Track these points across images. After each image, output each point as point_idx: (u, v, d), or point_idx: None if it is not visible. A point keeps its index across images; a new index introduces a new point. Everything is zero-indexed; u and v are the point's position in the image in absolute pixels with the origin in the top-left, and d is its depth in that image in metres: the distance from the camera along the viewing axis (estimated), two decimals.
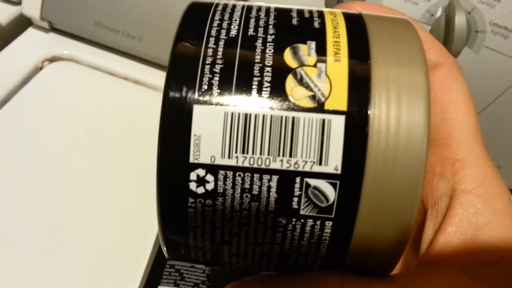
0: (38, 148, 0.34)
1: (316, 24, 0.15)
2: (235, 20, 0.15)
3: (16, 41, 0.40)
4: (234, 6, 0.15)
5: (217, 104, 0.13)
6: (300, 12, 0.15)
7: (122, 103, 0.38)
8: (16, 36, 0.41)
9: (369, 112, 0.13)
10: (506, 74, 0.34)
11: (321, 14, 0.15)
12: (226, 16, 0.15)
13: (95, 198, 0.32)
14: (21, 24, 0.41)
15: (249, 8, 0.15)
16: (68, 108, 0.37)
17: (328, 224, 0.14)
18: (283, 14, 0.15)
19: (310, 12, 0.16)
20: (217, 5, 0.15)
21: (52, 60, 0.39)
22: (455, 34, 0.32)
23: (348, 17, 0.15)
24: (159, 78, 0.40)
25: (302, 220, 0.14)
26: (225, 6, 0.15)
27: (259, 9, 0.15)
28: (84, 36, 0.40)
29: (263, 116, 0.13)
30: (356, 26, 0.15)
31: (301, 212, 0.14)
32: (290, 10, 0.16)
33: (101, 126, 0.36)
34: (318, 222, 0.14)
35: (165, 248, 0.16)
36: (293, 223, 0.14)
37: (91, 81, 0.39)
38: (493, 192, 0.16)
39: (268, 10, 0.15)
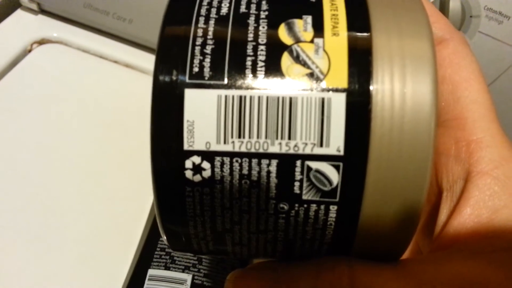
0: (26, 131, 0.34)
1: None
2: None
3: (4, 23, 0.40)
4: None
5: (209, 87, 0.13)
6: None
7: (112, 87, 0.38)
8: (4, 18, 0.40)
9: (371, 88, 0.13)
10: (500, 59, 0.34)
11: None
12: None
13: (84, 183, 0.32)
14: (9, 5, 0.41)
15: None
16: (57, 91, 0.37)
17: (333, 208, 0.13)
18: None
19: None
20: None
21: (41, 42, 0.39)
22: (449, 18, 0.32)
23: None
24: (150, 61, 0.40)
25: (305, 205, 0.14)
26: None
27: None
28: (74, 18, 0.40)
29: (259, 97, 0.13)
30: None
31: (304, 197, 0.13)
32: None
33: (90, 110, 0.36)
34: (322, 207, 0.14)
35: (166, 240, 0.15)
36: (296, 208, 0.14)
37: (81, 64, 0.39)
38: (510, 174, 0.16)
39: None
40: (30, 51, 0.39)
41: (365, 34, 0.13)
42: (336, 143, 0.13)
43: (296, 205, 0.14)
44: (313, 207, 0.13)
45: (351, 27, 0.13)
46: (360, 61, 0.13)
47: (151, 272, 0.28)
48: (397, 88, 0.13)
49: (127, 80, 0.39)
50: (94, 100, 0.37)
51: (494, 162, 0.16)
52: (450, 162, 0.17)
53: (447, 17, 0.32)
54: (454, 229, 0.15)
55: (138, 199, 0.32)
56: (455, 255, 0.14)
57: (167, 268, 0.28)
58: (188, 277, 0.28)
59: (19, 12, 0.41)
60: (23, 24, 0.40)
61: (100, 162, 0.33)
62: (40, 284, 0.28)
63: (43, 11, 0.41)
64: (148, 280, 0.28)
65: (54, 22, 0.41)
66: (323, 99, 0.13)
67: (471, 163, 0.16)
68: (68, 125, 0.35)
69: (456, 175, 0.16)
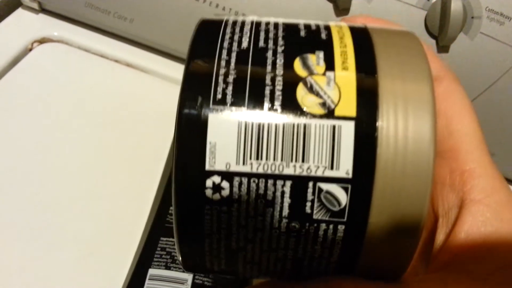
0: (26, 130, 0.34)
1: (323, 36, 0.16)
2: (246, 33, 0.16)
3: (5, 22, 0.40)
4: (243, 21, 0.16)
5: (231, 112, 0.14)
6: (307, 25, 0.16)
7: (113, 86, 0.38)
8: (5, 17, 0.40)
9: (377, 117, 0.14)
10: (501, 60, 0.34)
11: (327, 27, 0.16)
12: (237, 30, 0.16)
13: (85, 182, 0.32)
14: (10, 4, 0.41)
15: (258, 23, 0.16)
16: (58, 90, 0.37)
17: (341, 227, 0.15)
18: (291, 27, 0.16)
19: (317, 25, 0.16)
20: (227, 20, 0.16)
21: (42, 41, 0.39)
22: (451, 19, 0.32)
23: (353, 29, 0.16)
24: (151, 60, 0.40)
25: (315, 225, 0.15)
26: (235, 21, 0.16)
27: (267, 23, 0.16)
28: (75, 17, 0.40)
29: (276, 123, 0.14)
30: (362, 38, 0.16)
31: (314, 217, 0.14)
32: (297, 24, 0.17)
33: (91, 109, 0.36)
34: (331, 226, 0.15)
35: (180, 257, 0.16)
36: (307, 227, 0.15)
37: (82, 63, 0.39)
38: (501, 202, 0.17)
39: (276, 24, 0.16)
40: (30, 50, 0.39)
41: (371, 70, 0.15)
42: (345, 167, 0.14)
43: (307, 224, 0.15)
44: (323, 226, 0.15)
45: (359, 63, 0.15)
46: (368, 94, 0.14)
47: (151, 271, 0.28)
48: (400, 120, 0.14)
49: (128, 79, 0.39)
50: (95, 100, 0.37)
51: (486, 191, 0.17)
52: (445, 190, 0.18)
53: (449, 17, 0.32)
54: (450, 252, 0.17)
55: (139, 198, 0.32)
56: (451, 276, 0.16)
57: (167, 267, 0.28)
58: (188, 277, 0.28)
59: (19, 11, 0.41)
60: (24, 23, 0.40)
61: (100, 161, 0.33)
62: (40, 283, 0.28)
63: (44, 10, 0.41)
64: (149, 279, 0.28)
65: (55, 21, 0.41)
66: (334, 126, 0.14)
67: (465, 191, 0.17)
68: (68, 124, 0.35)
69: (451, 202, 0.18)
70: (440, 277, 0.16)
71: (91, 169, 0.33)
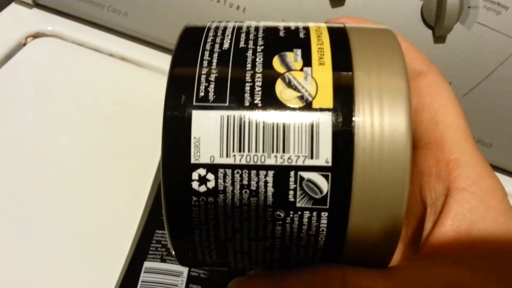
0: (20, 126, 0.34)
1: (301, 35, 0.17)
2: (227, 35, 0.17)
3: None
4: (226, 26, 0.17)
5: (213, 108, 0.15)
6: (287, 26, 0.17)
7: (107, 80, 0.38)
8: None
9: (353, 108, 0.15)
10: (498, 51, 0.34)
11: (306, 27, 0.17)
12: (219, 33, 0.17)
13: (81, 176, 0.32)
14: None
15: (240, 27, 0.17)
16: (52, 85, 0.37)
17: (324, 215, 0.15)
18: (271, 29, 0.17)
19: (296, 26, 0.17)
20: (210, 25, 0.17)
21: (35, 36, 0.39)
22: (447, 9, 0.32)
23: (331, 28, 0.17)
24: (145, 54, 0.40)
25: (299, 213, 0.15)
26: (218, 26, 0.17)
27: (249, 26, 0.17)
28: (69, 11, 0.40)
29: (256, 117, 0.15)
30: (339, 35, 0.17)
31: (298, 205, 0.15)
32: (277, 26, 0.17)
33: (86, 103, 0.36)
34: (315, 214, 0.15)
35: (173, 251, 0.17)
36: (291, 215, 0.15)
37: (76, 57, 0.39)
38: (487, 189, 0.17)
39: (257, 26, 0.17)
40: (24, 44, 0.39)
41: (346, 61, 0.16)
42: (324, 155, 0.15)
43: (291, 212, 0.15)
44: (307, 214, 0.15)
45: (334, 57, 0.16)
46: (343, 86, 0.15)
47: (147, 264, 0.28)
48: (376, 109, 0.15)
49: (122, 73, 0.38)
50: (90, 94, 0.37)
51: (471, 179, 0.17)
52: (432, 180, 0.18)
53: (445, 7, 0.32)
54: (437, 239, 0.17)
55: (134, 192, 0.32)
56: (438, 262, 0.16)
57: (163, 260, 0.28)
58: (184, 269, 0.28)
59: (13, 6, 0.41)
60: (18, 18, 0.40)
61: (95, 155, 0.33)
62: (35, 277, 0.28)
63: (37, 5, 0.41)
64: (144, 272, 0.28)
65: (48, 16, 0.40)
66: (312, 118, 0.15)
67: (451, 180, 0.18)
68: (63, 119, 0.35)
69: (438, 191, 0.18)
70: (427, 263, 0.16)
71: (87, 163, 0.33)
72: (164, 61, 0.40)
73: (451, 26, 0.33)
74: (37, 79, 0.37)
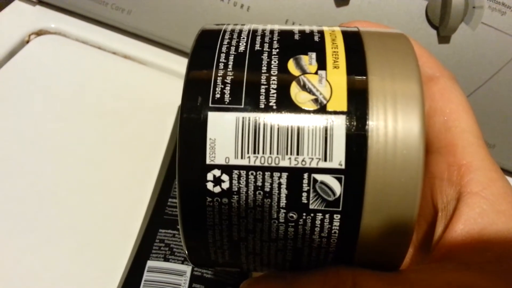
0: (23, 123, 0.34)
1: (316, 38, 0.17)
2: (243, 38, 0.17)
3: (2, 14, 0.40)
4: (241, 29, 0.18)
5: (229, 110, 0.15)
6: (301, 30, 0.17)
7: (110, 78, 0.38)
8: (1, 9, 0.40)
9: (367, 111, 0.15)
10: (502, 51, 0.34)
11: (320, 30, 0.17)
12: (235, 36, 0.17)
13: (83, 174, 0.32)
14: None
15: (255, 29, 0.18)
16: (55, 82, 0.37)
17: (337, 217, 0.15)
18: (286, 32, 0.17)
19: (311, 29, 0.18)
20: (226, 28, 0.18)
21: (39, 33, 0.39)
22: (452, 9, 0.32)
23: (345, 32, 0.17)
24: (148, 52, 0.40)
25: (312, 214, 0.15)
26: (233, 29, 0.18)
27: (264, 29, 0.18)
28: (72, 9, 0.40)
29: (271, 119, 0.15)
30: (353, 39, 0.17)
31: (311, 207, 0.15)
32: (292, 29, 0.18)
33: (89, 101, 0.36)
34: (327, 216, 0.15)
35: (186, 250, 0.17)
36: (304, 217, 0.15)
37: (79, 55, 0.39)
38: (498, 194, 0.17)
39: (272, 30, 0.17)
40: (28, 42, 0.39)
41: (361, 65, 0.16)
42: (338, 158, 0.15)
43: (304, 214, 0.15)
44: (319, 216, 0.15)
45: (349, 62, 0.16)
46: (358, 89, 0.15)
47: (150, 263, 0.28)
48: (390, 113, 0.15)
49: (125, 71, 0.39)
50: (93, 92, 0.37)
51: (482, 184, 0.18)
52: (443, 184, 0.19)
53: (450, 8, 0.32)
54: (448, 243, 0.17)
55: (138, 190, 0.32)
56: (449, 265, 0.16)
57: (166, 259, 0.28)
58: (187, 268, 0.28)
59: (16, 3, 0.41)
60: (21, 15, 0.40)
61: (98, 153, 0.33)
62: (37, 275, 0.28)
63: (41, 2, 0.41)
64: (147, 271, 0.28)
65: (52, 13, 0.41)
66: (326, 120, 0.15)
67: (462, 185, 0.18)
68: (66, 116, 0.35)
69: (450, 196, 0.18)
70: (438, 266, 0.16)
71: (89, 161, 0.33)
72: (167, 59, 0.40)
73: (456, 26, 0.33)
74: (40, 76, 0.37)
